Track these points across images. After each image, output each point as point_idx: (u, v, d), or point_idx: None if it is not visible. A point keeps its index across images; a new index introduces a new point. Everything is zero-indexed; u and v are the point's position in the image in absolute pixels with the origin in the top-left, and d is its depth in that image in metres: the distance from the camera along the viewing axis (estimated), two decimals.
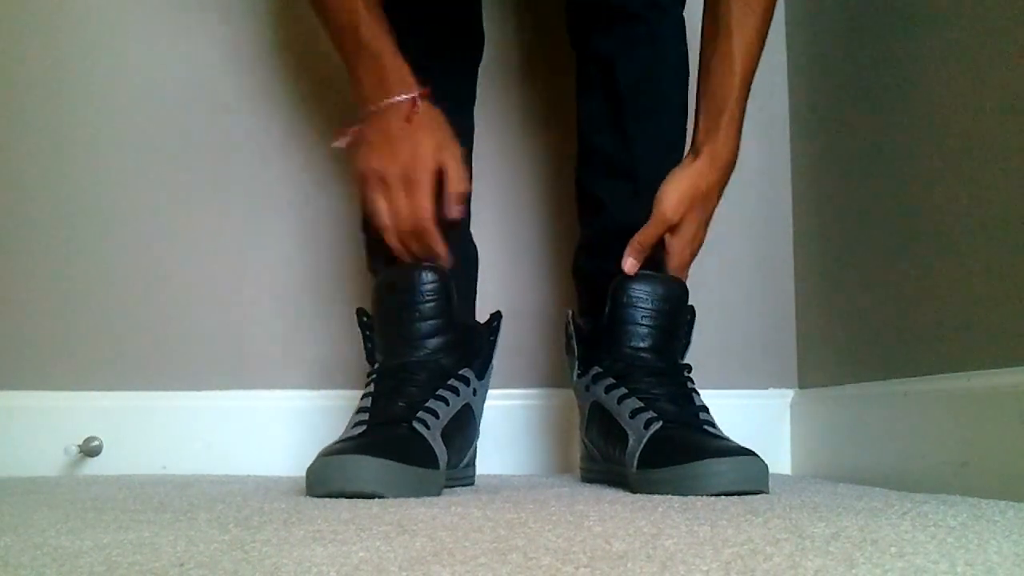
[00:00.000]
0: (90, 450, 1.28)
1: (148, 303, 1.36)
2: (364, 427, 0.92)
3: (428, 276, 0.99)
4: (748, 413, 1.29)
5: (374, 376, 0.99)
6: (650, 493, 0.90)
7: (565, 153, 1.36)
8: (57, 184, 1.38)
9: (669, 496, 0.86)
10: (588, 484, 1.08)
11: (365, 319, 1.05)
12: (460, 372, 1.01)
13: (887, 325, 1.10)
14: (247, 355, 1.35)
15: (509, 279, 1.36)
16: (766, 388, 1.35)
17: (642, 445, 0.94)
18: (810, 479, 1.17)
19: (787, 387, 1.35)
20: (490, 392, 1.31)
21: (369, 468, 0.84)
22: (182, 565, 0.49)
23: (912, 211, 1.05)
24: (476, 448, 1.10)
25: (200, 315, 1.36)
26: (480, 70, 1.21)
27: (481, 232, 1.36)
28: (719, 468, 0.87)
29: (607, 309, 1.04)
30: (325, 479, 0.85)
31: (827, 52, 1.29)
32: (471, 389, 1.03)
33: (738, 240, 1.37)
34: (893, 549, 0.51)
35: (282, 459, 1.30)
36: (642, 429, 0.96)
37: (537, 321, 1.35)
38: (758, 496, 0.85)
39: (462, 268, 1.08)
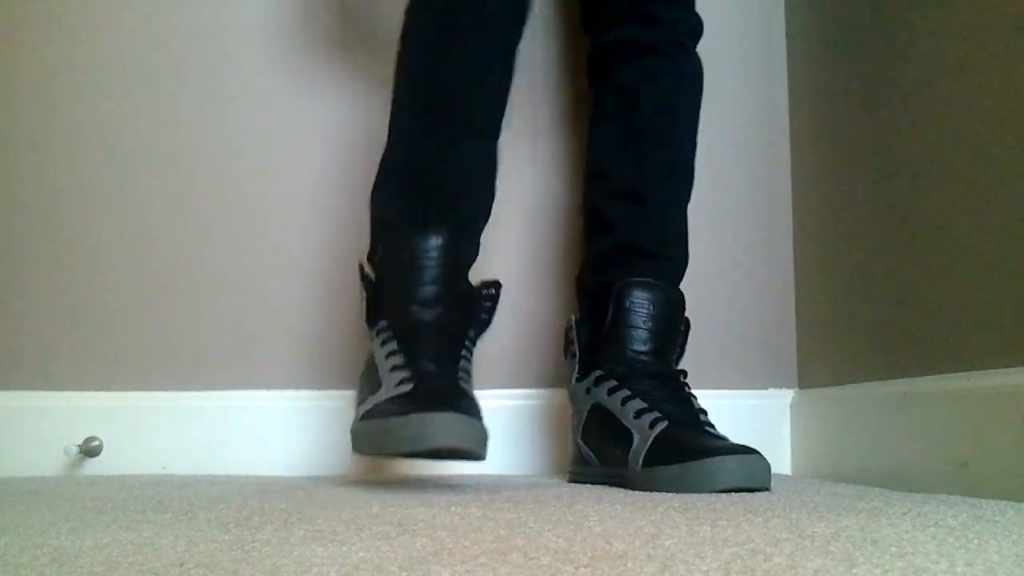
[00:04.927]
0: (90, 450, 1.28)
1: (148, 303, 1.36)
2: (411, 385, 0.92)
3: (437, 241, 1.00)
4: (748, 413, 1.29)
5: (388, 333, 0.99)
6: (655, 491, 0.92)
7: (576, 167, 1.36)
8: (57, 185, 1.38)
9: (669, 496, 0.86)
10: (588, 484, 1.08)
11: (369, 277, 1.04)
12: (469, 335, 1.02)
13: (887, 325, 1.10)
14: (247, 355, 1.35)
15: (513, 281, 1.36)
16: (766, 388, 1.35)
17: (648, 444, 0.98)
18: (810, 479, 1.17)
19: (787, 387, 1.35)
20: (490, 392, 1.31)
21: (469, 427, 0.86)
22: (182, 565, 0.49)
23: (912, 211, 1.05)
24: None
25: (200, 315, 1.36)
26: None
27: (487, 236, 1.36)
28: (726, 465, 0.91)
29: (609, 314, 1.08)
30: (423, 436, 0.85)
31: (827, 52, 1.29)
32: (472, 354, 1.04)
33: (738, 240, 1.37)
34: (893, 549, 0.51)
35: (282, 459, 1.30)
36: (647, 428, 0.99)
37: (539, 322, 1.35)
38: (758, 496, 0.85)
39: (477, 222, 1.10)
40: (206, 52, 1.40)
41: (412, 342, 0.97)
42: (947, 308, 0.98)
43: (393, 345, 0.98)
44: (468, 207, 1.08)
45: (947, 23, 0.99)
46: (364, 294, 1.04)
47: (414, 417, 0.87)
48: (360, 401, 1.00)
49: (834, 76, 1.26)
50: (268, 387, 1.34)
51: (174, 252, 1.37)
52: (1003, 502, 0.77)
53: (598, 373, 1.08)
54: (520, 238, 1.37)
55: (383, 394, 0.94)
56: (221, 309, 1.36)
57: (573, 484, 1.08)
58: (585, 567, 0.47)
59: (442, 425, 0.85)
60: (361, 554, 0.52)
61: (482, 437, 0.89)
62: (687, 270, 1.18)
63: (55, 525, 0.66)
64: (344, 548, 0.54)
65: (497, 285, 1.07)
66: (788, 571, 0.45)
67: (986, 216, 0.91)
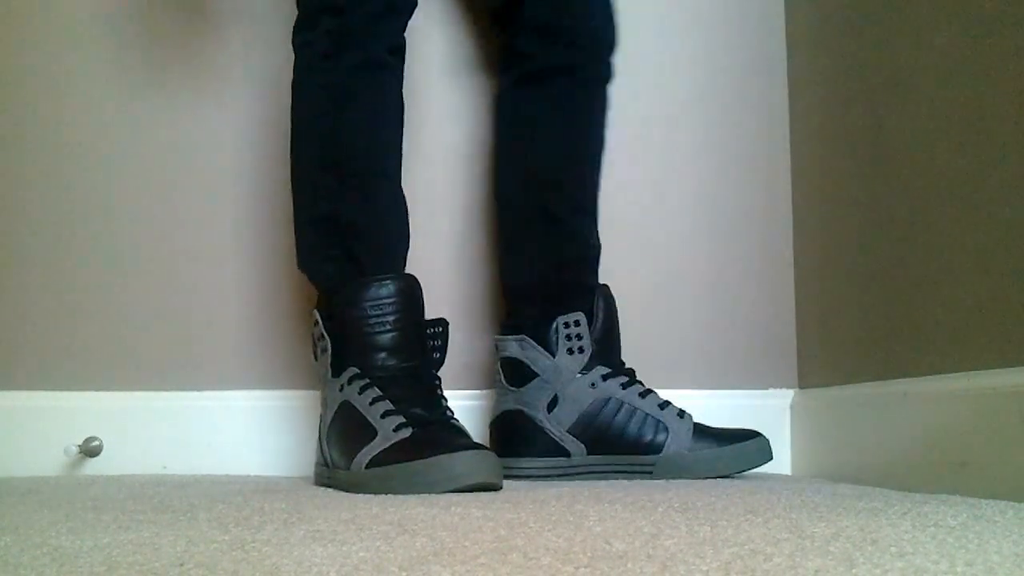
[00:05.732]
0: (90, 450, 1.28)
1: (148, 303, 1.36)
2: (410, 430, 0.96)
3: (389, 288, 1.04)
4: (748, 413, 1.29)
5: (365, 380, 1.02)
6: (696, 470, 1.11)
7: None
8: (57, 186, 1.38)
9: (669, 496, 0.86)
10: (587, 485, 1.08)
11: (326, 331, 1.07)
12: (435, 374, 1.06)
13: (887, 325, 1.10)
14: (248, 355, 1.35)
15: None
16: (766, 388, 1.35)
17: (691, 431, 1.14)
18: (810, 479, 1.17)
19: (787, 387, 1.35)
20: (488, 392, 1.31)
21: (493, 462, 0.92)
22: (182, 565, 0.49)
23: (912, 211, 1.05)
24: None
25: (200, 315, 1.36)
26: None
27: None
28: (762, 445, 1.13)
29: (601, 315, 1.17)
30: (453, 477, 0.90)
31: (827, 51, 1.29)
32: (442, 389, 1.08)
33: (738, 240, 1.37)
34: (893, 549, 0.51)
35: (282, 459, 1.30)
36: (678, 418, 1.14)
37: None
38: (758, 496, 0.85)
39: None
40: (193, 58, 1.40)
41: (392, 388, 1.01)
42: (947, 308, 0.98)
43: (375, 391, 1.01)
44: (397, 248, 1.12)
45: (947, 22, 0.99)
46: (323, 345, 1.07)
47: (443, 459, 0.90)
48: (347, 451, 1.00)
49: (834, 76, 1.26)
50: (269, 387, 1.34)
51: (174, 253, 1.37)
52: (1003, 502, 0.77)
53: (604, 370, 1.16)
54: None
55: (383, 440, 0.96)
56: (221, 310, 1.36)
57: (573, 484, 1.08)
58: (585, 567, 0.47)
59: (469, 465, 0.91)
60: (361, 554, 0.52)
61: (500, 469, 0.94)
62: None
63: (55, 525, 0.66)
64: (344, 548, 0.54)
65: (444, 323, 1.10)
66: (788, 571, 0.45)
67: (986, 216, 0.91)
